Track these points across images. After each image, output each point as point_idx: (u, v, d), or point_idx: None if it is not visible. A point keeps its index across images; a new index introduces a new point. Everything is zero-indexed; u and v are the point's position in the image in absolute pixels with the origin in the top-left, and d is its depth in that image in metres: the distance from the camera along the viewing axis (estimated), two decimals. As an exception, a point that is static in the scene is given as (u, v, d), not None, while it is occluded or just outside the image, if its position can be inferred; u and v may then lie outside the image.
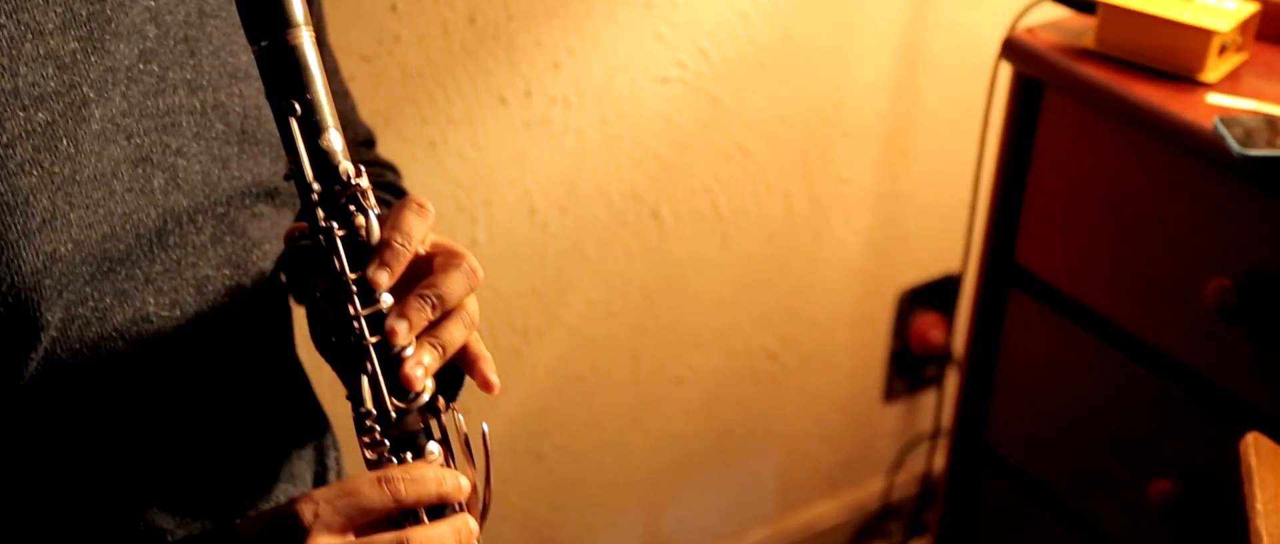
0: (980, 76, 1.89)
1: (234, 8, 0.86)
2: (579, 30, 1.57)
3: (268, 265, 0.97)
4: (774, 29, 1.72)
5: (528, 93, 1.57)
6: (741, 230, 1.85)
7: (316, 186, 0.80)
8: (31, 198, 0.81)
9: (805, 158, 1.85)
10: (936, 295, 2.12)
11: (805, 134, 1.83)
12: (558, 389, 1.79)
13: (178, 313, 0.90)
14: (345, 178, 0.80)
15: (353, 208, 0.81)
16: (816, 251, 1.95)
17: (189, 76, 0.89)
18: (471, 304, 0.85)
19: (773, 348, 1.99)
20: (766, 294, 1.93)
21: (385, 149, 1.48)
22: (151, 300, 0.88)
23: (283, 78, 0.79)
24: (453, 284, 0.83)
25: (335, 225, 0.80)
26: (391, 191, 1.14)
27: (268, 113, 0.90)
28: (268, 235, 0.96)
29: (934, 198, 2.01)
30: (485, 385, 0.85)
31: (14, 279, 0.81)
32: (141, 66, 0.87)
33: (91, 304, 0.85)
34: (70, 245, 0.83)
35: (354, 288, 0.80)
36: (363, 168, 0.81)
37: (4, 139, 0.81)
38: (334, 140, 0.80)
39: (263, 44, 0.79)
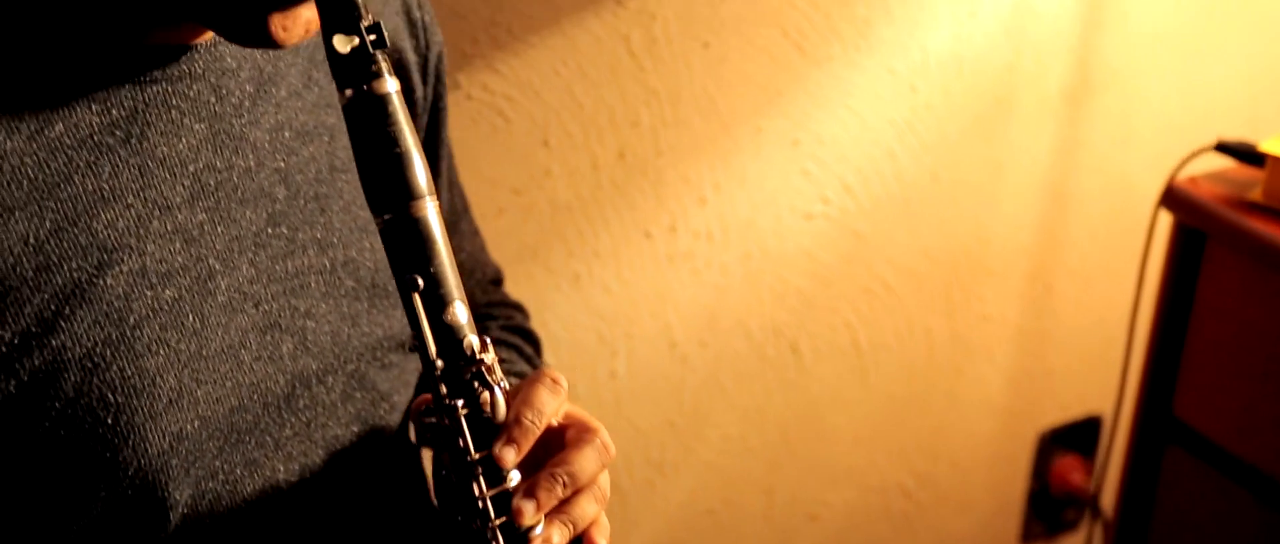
0: (1130, 219, 1.86)
1: (349, 173, 0.84)
2: (726, 167, 1.57)
3: (396, 418, 0.95)
4: (920, 167, 1.70)
5: (673, 227, 1.57)
6: (881, 366, 1.81)
7: (440, 362, 0.76)
8: (158, 378, 0.79)
9: (948, 294, 1.82)
10: (1078, 437, 2.06)
11: (948, 270, 1.80)
12: (689, 523, 1.77)
13: (308, 475, 0.88)
14: (470, 352, 0.76)
15: (478, 384, 0.77)
16: (957, 389, 1.91)
17: (319, 235, 0.88)
18: (604, 479, 0.82)
19: (908, 486, 1.94)
20: (904, 431, 1.89)
21: (529, 282, 1.49)
22: (281, 467, 0.86)
23: (406, 251, 0.75)
24: (584, 461, 0.79)
25: (460, 403, 0.76)
26: (521, 334, 1.12)
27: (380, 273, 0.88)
28: (396, 386, 0.94)
29: (1079, 338, 1.96)
30: None
31: (140, 462, 0.79)
32: (269, 230, 0.85)
33: (221, 478, 0.83)
34: (196, 423, 0.81)
35: (479, 468, 0.77)
36: (489, 341, 0.78)
37: (131, 320, 0.79)
38: (459, 314, 0.76)
39: (386, 217, 0.75)
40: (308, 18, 0.75)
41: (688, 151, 1.54)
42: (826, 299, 1.73)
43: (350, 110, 0.74)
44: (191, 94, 0.81)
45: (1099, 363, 1.98)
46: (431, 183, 0.76)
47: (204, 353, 0.81)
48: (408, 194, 0.74)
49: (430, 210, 0.75)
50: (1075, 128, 1.80)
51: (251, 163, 0.84)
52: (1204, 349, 1.44)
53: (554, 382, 0.80)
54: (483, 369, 0.76)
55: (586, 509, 0.80)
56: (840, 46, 1.58)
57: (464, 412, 0.76)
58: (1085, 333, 1.96)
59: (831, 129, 1.62)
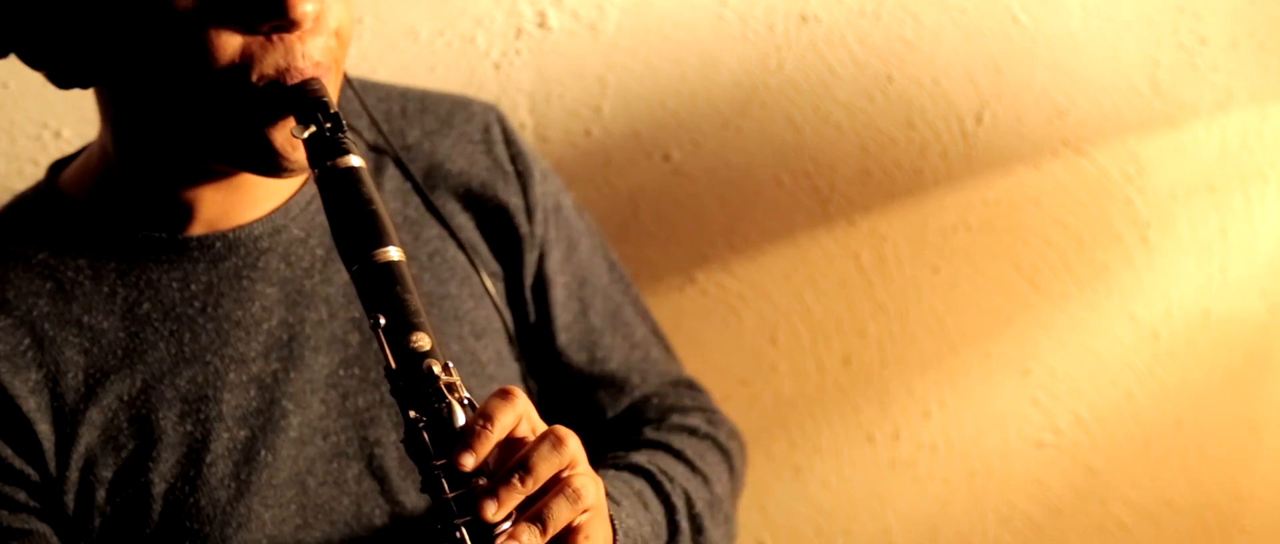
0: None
1: (447, 300, 0.95)
2: (953, 385, 1.66)
3: None
4: (1162, 412, 1.71)
5: (896, 435, 1.67)
6: (1117, 610, 1.80)
7: (401, 382, 0.83)
8: (229, 507, 0.94)
9: (1195, 547, 1.79)
10: None
11: (1195, 522, 1.77)
12: None
13: None
14: (428, 370, 0.83)
15: (437, 401, 0.83)
16: (1206, 650, 1.84)
17: None
18: (579, 480, 0.84)
19: None
20: None
21: (750, 468, 1.62)
22: None
23: (371, 293, 0.84)
24: (537, 458, 0.83)
25: (423, 417, 0.83)
26: (683, 433, 1.16)
27: (484, 392, 0.97)
28: None
29: (1351, 618, 1.85)
30: None
31: None
32: (341, 372, 0.99)
33: None
34: (264, 541, 0.95)
35: (441, 473, 0.82)
36: (452, 364, 0.84)
37: (207, 459, 0.94)
38: (421, 341, 0.83)
39: (354, 267, 0.84)
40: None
41: (914, 366, 1.65)
42: (1056, 530, 1.75)
43: (320, 182, 0.86)
44: (261, 265, 0.97)
45: (1377, 650, 1.85)
46: (396, 236, 0.85)
47: (273, 481, 0.96)
48: (370, 244, 0.84)
49: (392, 255, 0.84)
50: (1349, 396, 1.76)
51: (324, 315, 0.99)
52: None
53: (507, 392, 0.85)
54: (441, 385, 0.83)
55: (558, 511, 0.83)
56: (1075, 286, 1.65)
57: (423, 423, 0.83)
58: (1358, 614, 1.85)
59: (1065, 363, 1.68)
